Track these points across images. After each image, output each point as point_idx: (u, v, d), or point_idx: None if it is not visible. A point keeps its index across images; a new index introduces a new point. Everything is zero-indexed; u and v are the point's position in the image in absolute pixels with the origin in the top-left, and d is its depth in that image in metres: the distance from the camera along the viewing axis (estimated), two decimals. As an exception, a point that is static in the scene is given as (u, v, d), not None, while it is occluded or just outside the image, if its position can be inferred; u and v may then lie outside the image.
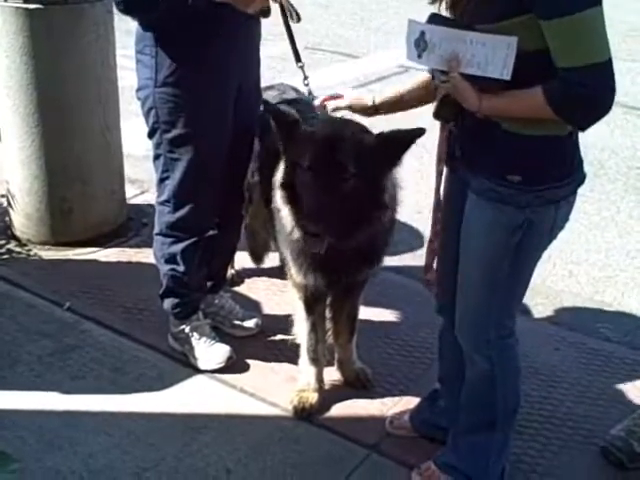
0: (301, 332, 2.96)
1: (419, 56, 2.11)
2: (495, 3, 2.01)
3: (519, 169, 2.11)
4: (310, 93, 2.87)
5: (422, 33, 2.08)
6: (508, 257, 2.20)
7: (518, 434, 2.77)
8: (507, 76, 1.99)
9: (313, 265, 2.73)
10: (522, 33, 1.96)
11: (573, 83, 1.95)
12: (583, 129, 2.06)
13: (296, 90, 3.27)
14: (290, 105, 3.03)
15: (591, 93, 1.95)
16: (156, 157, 2.97)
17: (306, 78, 2.88)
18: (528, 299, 3.55)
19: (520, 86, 2.01)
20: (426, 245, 2.43)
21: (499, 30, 1.98)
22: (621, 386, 3.13)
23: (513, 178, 2.11)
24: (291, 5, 2.86)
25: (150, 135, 2.93)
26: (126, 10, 2.69)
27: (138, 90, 2.90)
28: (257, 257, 3.73)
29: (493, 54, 1.98)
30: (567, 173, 2.15)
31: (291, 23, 2.89)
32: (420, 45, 2.10)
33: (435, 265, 2.43)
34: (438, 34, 2.07)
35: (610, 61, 1.96)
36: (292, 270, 2.83)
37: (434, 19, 2.11)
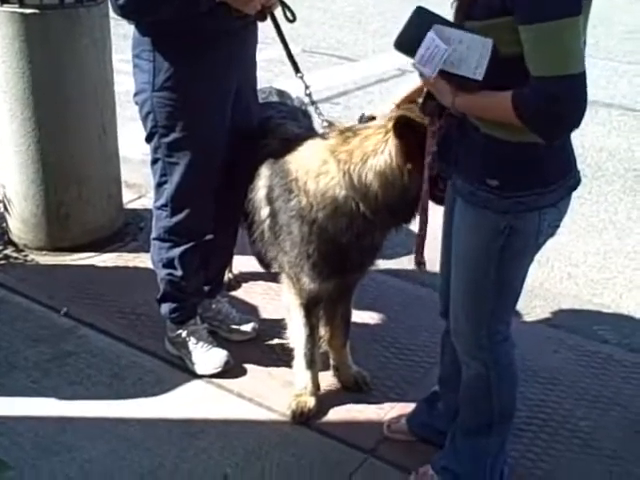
0: (299, 337, 2.94)
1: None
2: (481, 1, 1.98)
3: (497, 174, 2.08)
4: (314, 103, 2.86)
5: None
6: (493, 262, 2.17)
7: (517, 437, 2.77)
8: (479, 76, 1.95)
9: (335, 269, 2.74)
10: (503, 36, 1.93)
11: (543, 94, 1.88)
12: (549, 142, 1.98)
13: (282, 94, 3.28)
14: (262, 107, 3.06)
15: (559, 107, 1.89)
16: (154, 161, 2.96)
17: (307, 87, 2.86)
18: (526, 301, 3.57)
19: (496, 89, 1.96)
20: (417, 229, 2.37)
21: (483, 29, 1.95)
22: (619, 388, 3.12)
23: (492, 182, 2.08)
24: (286, 5, 2.85)
25: (148, 139, 2.93)
26: (135, 11, 2.66)
27: (136, 94, 2.89)
28: (265, 263, 3.70)
29: (467, 53, 1.95)
30: (551, 180, 2.09)
31: (287, 24, 2.87)
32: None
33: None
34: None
35: (584, 75, 1.89)
36: (305, 278, 2.78)
37: (420, 12, 2.06)
